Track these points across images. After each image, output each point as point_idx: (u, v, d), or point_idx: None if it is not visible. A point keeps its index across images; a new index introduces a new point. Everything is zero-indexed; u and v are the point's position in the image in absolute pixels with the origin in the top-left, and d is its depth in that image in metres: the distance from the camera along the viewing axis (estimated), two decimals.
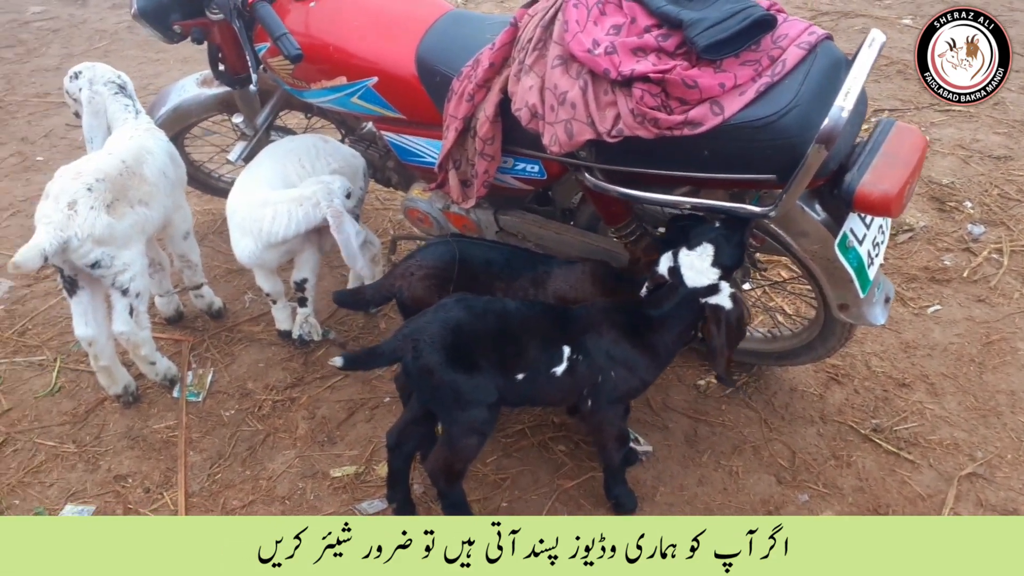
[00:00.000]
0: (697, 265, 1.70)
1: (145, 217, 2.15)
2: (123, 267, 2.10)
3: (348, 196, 2.24)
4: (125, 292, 2.13)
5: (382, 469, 2.10)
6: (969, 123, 3.48)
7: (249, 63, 2.02)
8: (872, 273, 1.81)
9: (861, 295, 1.78)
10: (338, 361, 1.72)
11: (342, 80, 2.05)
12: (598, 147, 1.72)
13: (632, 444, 2.07)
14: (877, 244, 1.84)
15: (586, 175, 1.79)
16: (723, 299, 1.71)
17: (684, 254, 1.72)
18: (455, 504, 1.87)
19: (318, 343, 2.50)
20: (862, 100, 1.51)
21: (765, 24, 1.56)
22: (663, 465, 2.12)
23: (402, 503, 1.96)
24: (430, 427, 1.90)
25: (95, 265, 2.05)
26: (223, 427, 2.27)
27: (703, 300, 1.72)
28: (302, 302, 2.40)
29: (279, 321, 2.49)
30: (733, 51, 1.55)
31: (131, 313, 2.15)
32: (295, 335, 2.47)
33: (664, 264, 1.77)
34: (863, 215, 1.78)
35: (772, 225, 1.77)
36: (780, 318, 2.43)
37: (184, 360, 2.46)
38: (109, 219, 2.04)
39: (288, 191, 2.20)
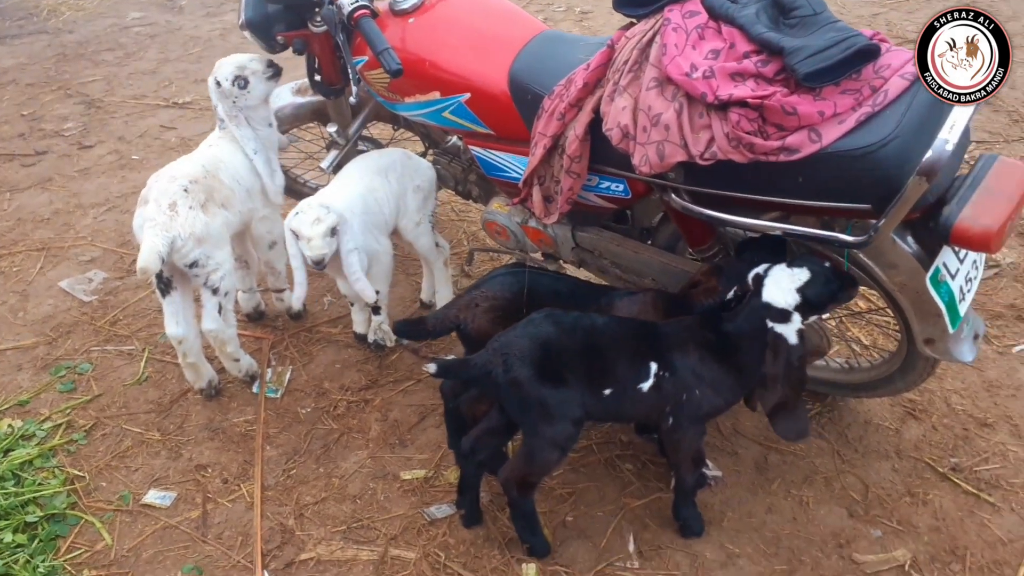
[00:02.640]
0: (783, 283, 1.67)
1: (227, 219, 2.25)
2: (216, 266, 2.20)
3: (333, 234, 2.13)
4: (215, 291, 2.22)
5: (451, 475, 2.13)
6: None
7: (350, 75, 2.10)
8: (963, 309, 1.77)
9: (950, 331, 1.75)
10: (432, 368, 1.76)
11: (435, 95, 2.11)
12: (687, 169, 1.73)
13: None
14: (970, 279, 1.80)
15: (673, 196, 1.80)
16: (788, 331, 1.68)
17: (778, 268, 1.70)
18: (525, 515, 1.89)
19: (392, 348, 2.56)
20: (965, 134, 1.49)
21: (868, 53, 1.55)
22: (731, 491, 2.10)
23: (470, 510, 1.99)
24: (504, 439, 1.92)
25: (193, 264, 2.15)
26: (299, 424, 2.34)
27: (769, 324, 1.69)
28: (375, 311, 2.47)
29: (357, 323, 2.56)
30: (834, 79, 1.54)
31: (219, 311, 2.25)
32: (370, 340, 2.53)
33: (754, 272, 1.74)
34: (957, 249, 1.74)
35: (861, 255, 1.76)
36: (857, 349, 2.39)
37: (264, 357, 2.55)
38: (205, 218, 2.14)
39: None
